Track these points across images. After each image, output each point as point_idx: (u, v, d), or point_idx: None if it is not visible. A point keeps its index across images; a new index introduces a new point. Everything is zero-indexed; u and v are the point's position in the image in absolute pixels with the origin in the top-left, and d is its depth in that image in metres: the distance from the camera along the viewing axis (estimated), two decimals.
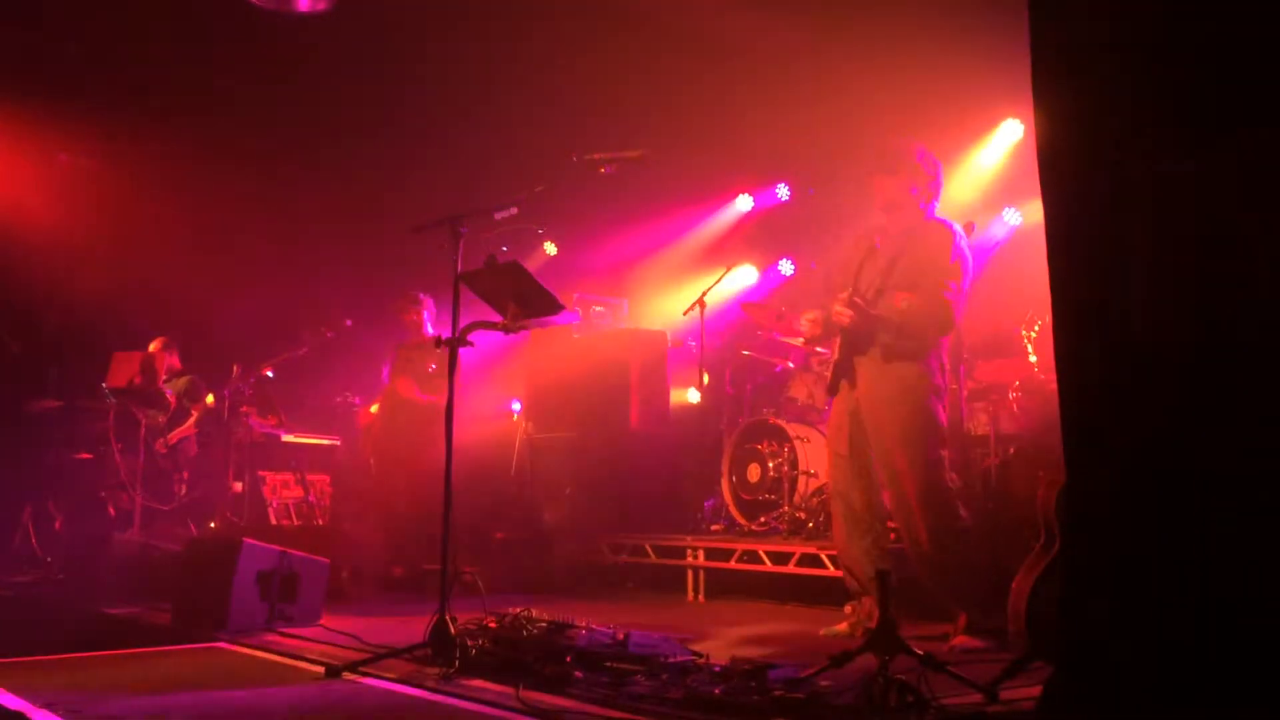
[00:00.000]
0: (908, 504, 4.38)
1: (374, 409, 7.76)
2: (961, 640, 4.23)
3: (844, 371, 4.58)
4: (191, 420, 7.88)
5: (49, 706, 3.20)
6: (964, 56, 6.89)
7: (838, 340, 4.58)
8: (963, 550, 4.34)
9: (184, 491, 7.40)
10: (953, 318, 4.45)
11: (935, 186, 4.64)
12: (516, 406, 8.94)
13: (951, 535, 4.33)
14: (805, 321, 4.73)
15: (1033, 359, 6.05)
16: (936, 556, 4.34)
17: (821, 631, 4.62)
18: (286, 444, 7.67)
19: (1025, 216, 7.34)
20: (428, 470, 6.14)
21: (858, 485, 4.55)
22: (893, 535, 5.43)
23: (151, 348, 7.89)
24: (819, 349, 6.62)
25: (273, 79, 8.06)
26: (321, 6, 6.72)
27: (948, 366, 4.58)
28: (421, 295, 7.44)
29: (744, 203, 9.50)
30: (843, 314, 4.45)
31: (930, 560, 4.36)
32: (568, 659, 3.46)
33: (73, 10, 7.40)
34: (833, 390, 4.65)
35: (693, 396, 8.25)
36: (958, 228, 4.55)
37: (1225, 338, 2.17)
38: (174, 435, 7.57)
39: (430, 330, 7.31)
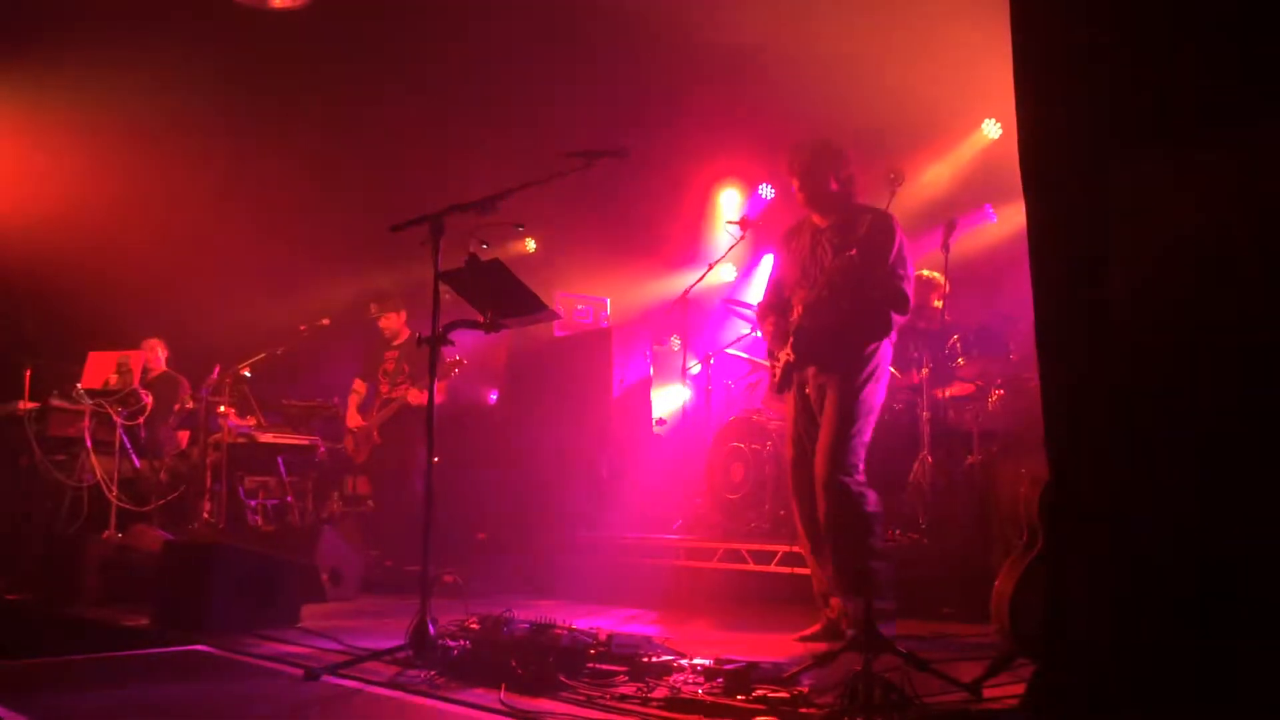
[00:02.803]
0: (817, 481, 4.42)
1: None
2: (811, 630, 4.34)
3: (797, 369, 4.59)
4: (170, 422, 7.82)
5: (25, 711, 3.16)
6: (945, 56, 6.91)
7: (790, 341, 4.56)
8: (855, 540, 4.32)
9: (161, 493, 7.33)
10: (908, 300, 4.46)
11: (851, 174, 4.61)
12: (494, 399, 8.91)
13: (843, 523, 4.33)
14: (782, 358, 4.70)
15: (1015, 357, 6.07)
16: (831, 539, 4.38)
17: (795, 637, 4.46)
18: (265, 444, 7.61)
19: (1007, 215, 7.36)
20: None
21: (812, 487, 4.51)
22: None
23: (149, 343, 7.85)
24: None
25: (251, 77, 8.00)
26: (299, 3, 6.68)
27: (891, 355, 4.61)
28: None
29: (728, 201, 9.51)
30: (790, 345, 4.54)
31: (828, 542, 4.40)
32: (550, 660, 3.44)
33: (59, 5, 7.36)
34: (783, 388, 4.65)
35: (675, 395, 8.24)
36: (890, 213, 4.55)
37: (1208, 335, 2.17)
38: (181, 444, 7.56)
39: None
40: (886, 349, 4.56)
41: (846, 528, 4.35)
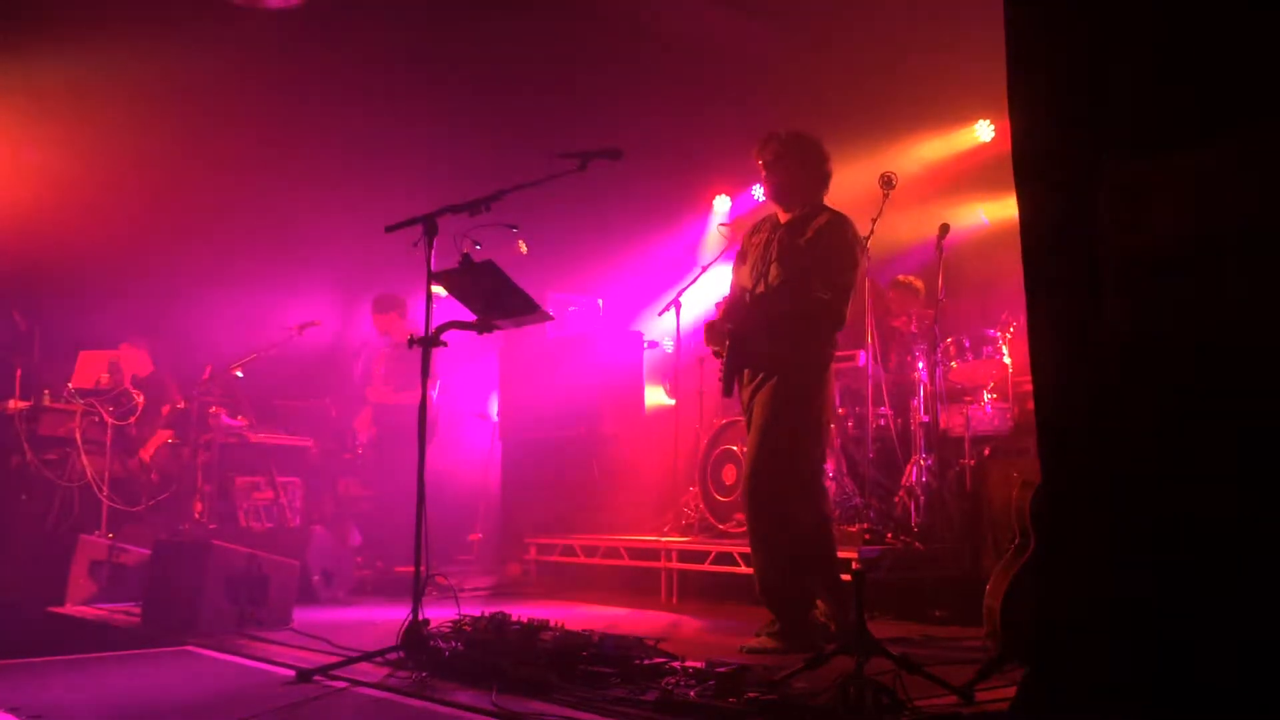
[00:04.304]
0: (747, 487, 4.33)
1: None
2: (755, 641, 4.24)
3: (735, 372, 4.44)
4: (161, 422, 7.79)
5: (14, 711, 3.15)
6: (938, 58, 6.93)
7: (727, 342, 4.42)
8: (788, 557, 4.25)
9: (152, 493, 7.31)
10: (843, 310, 4.30)
11: (821, 174, 4.46)
12: (494, 407, 8.91)
13: (764, 531, 4.28)
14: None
15: (1007, 361, 6.09)
16: (751, 544, 4.36)
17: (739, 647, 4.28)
18: (257, 445, 7.59)
19: (999, 217, 7.39)
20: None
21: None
22: (867, 536, 5.46)
23: (123, 348, 7.80)
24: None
25: (244, 76, 7.99)
26: (294, 3, 6.68)
27: (831, 367, 4.43)
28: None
29: (721, 204, 9.53)
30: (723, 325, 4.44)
31: (758, 554, 4.35)
32: (542, 661, 3.43)
33: (54, 8, 7.35)
34: (725, 390, 4.49)
35: (668, 397, 8.24)
36: (848, 218, 4.41)
37: (1195, 339, 2.18)
38: (150, 447, 7.51)
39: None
40: (825, 359, 4.36)
41: (765, 537, 4.31)
